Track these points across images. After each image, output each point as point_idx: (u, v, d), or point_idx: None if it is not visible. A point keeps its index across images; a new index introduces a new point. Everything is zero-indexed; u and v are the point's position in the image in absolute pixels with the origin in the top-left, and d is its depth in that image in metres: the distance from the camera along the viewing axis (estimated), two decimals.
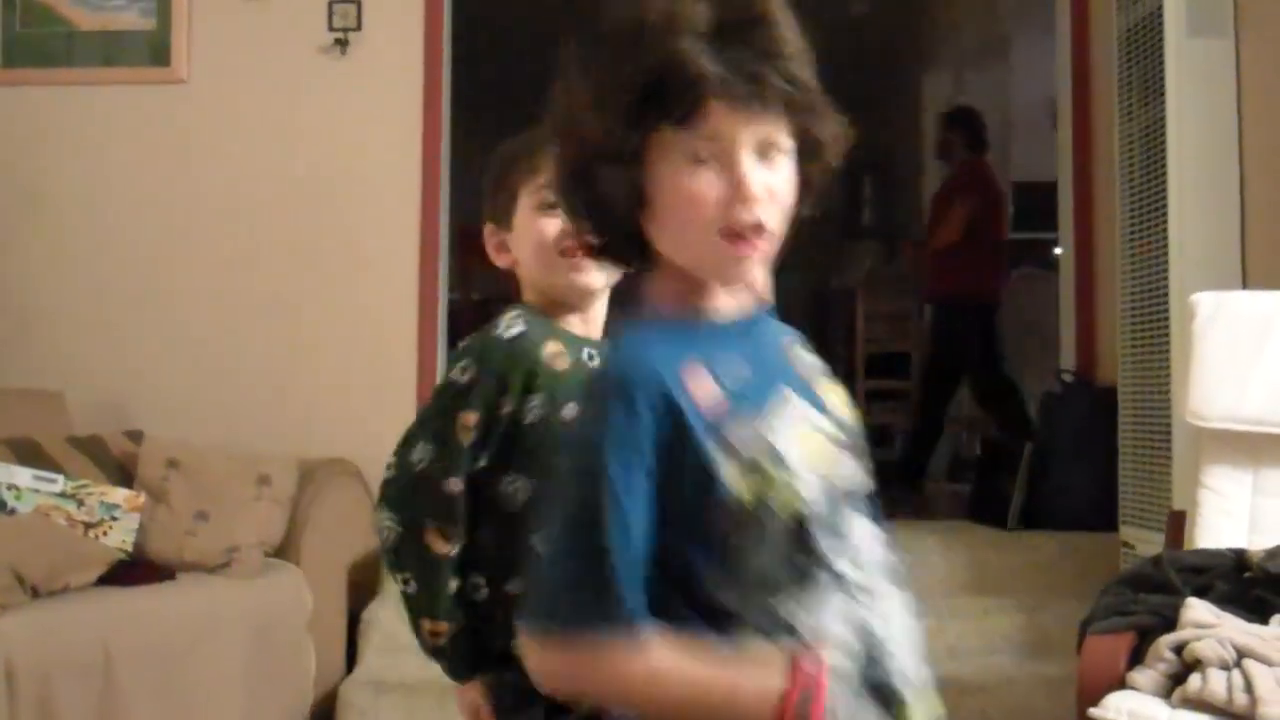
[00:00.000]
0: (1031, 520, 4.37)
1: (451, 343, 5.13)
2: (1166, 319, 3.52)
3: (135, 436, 3.89)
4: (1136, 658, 2.33)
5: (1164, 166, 3.53)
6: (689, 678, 1.10)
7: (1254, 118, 3.48)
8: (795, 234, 1.23)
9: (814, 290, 8.18)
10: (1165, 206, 3.53)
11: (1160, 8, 3.54)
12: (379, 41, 4.46)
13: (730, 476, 1.12)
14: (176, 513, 3.61)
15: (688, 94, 1.14)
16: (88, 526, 3.48)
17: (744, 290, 1.23)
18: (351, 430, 4.31)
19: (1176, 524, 2.96)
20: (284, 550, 3.70)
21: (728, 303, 1.23)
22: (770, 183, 1.18)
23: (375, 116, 4.47)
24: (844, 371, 7.39)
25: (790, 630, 1.13)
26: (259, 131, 4.47)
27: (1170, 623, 2.35)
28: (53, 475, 3.52)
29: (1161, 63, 3.54)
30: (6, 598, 2.89)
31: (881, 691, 1.18)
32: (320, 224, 4.45)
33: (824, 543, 1.16)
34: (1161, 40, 3.53)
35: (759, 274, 1.22)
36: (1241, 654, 2.19)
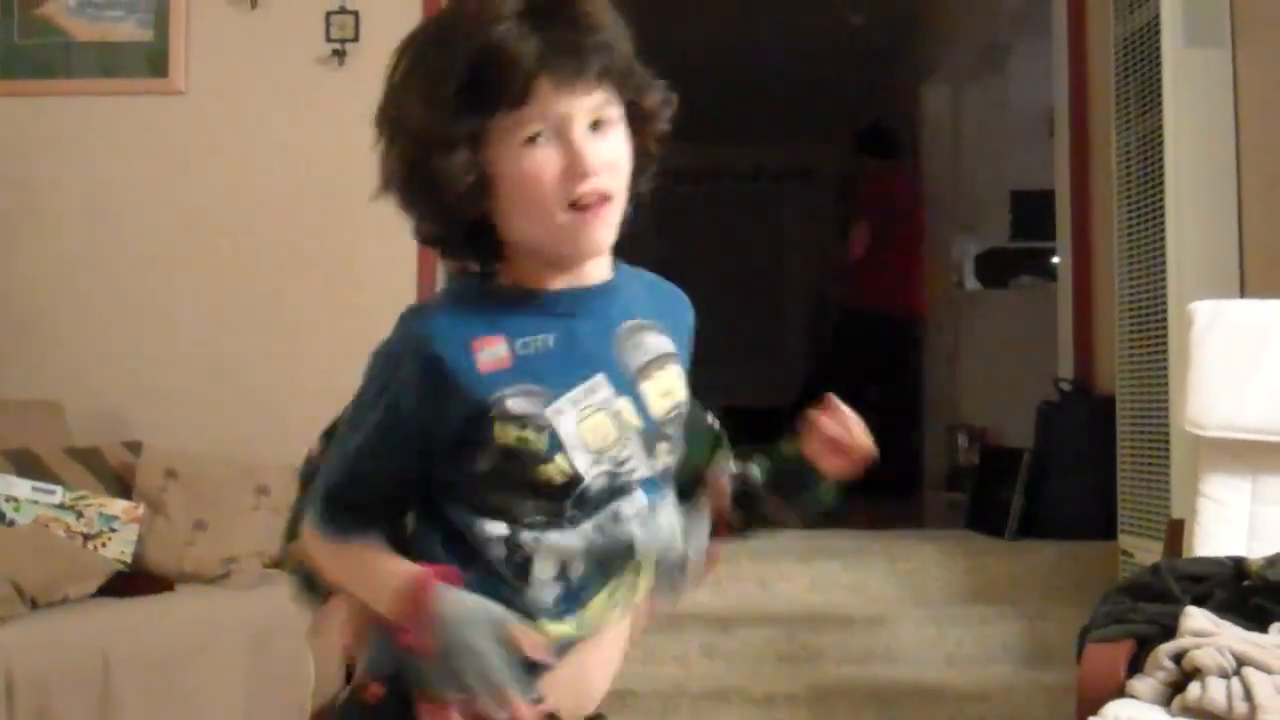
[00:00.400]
0: (1030, 529, 4.37)
1: None
2: (1164, 327, 3.52)
3: (134, 447, 3.88)
4: (1136, 666, 2.33)
5: (1161, 175, 3.54)
6: (361, 563, 1.30)
7: (1251, 127, 3.48)
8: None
9: (813, 304, 8.20)
10: (1163, 215, 3.53)
11: (1158, 17, 3.55)
12: (377, 52, 4.42)
13: (500, 424, 1.25)
14: (175, 523, 3.61)
15: (514, 76, 1.20)
16: (86, 538, 3.47)
17: (591, 260, 1.30)
18: None
19: (1175, 532, 2.96)
20: (282, 561, 3.70)
21: (539, 278, 1.31)
22: (605, 153, 1.24)
23: (373, 126, 4.47)
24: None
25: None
26: (257, 142, 4.48)
27: (1169, 631, 2.34)
28: (51, 486, 3.51)
29: (1159, 72, 3.54)
30: (6, 609, 2.89)
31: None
32: (318, 234, 4.46)
33: (578, 509, 1.27)
34: (1159, 50, 3.54)
35: (606, 240, 1.28)
36: (1241, 662, 2.18)
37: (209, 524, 3.61)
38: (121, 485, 3.72)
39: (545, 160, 1.23)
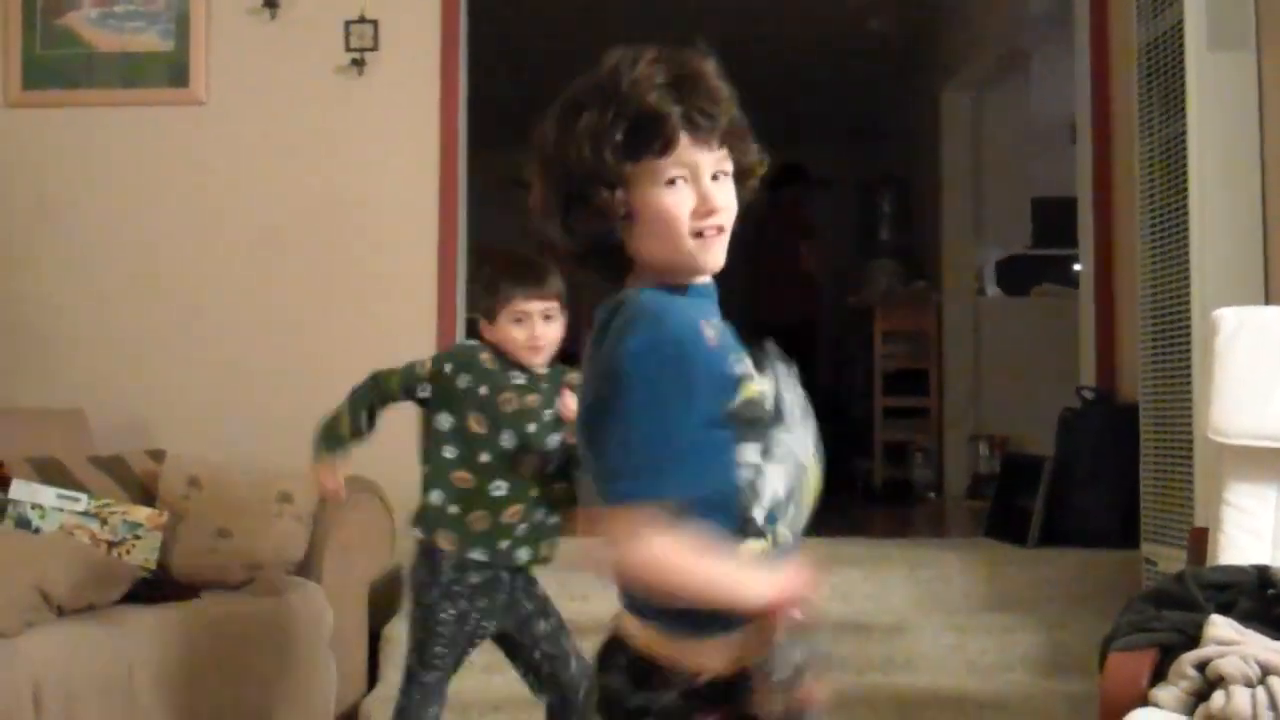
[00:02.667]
0: (1052, 537, 4.35)
1: None
2: (1188, 335, 3.51)
3: (157, 455, 3.91)
4: (1159, 675, 2.32)
5: (1185, 181, 3.52)
6: (709, 562, 1.49)
7: (1276, 131, 3.46)
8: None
9: (831, 306, 8.19)
10: (1186, 222, 3.52)
11: (1181, 21, 3.53)
12: (396, 61, 4.48)
13: (743, 382, 1.55)
14: (198, 530, 3.62)
15: (664, 133, 1.55)
16: (111, 545, 3.49)
17: (707, 274, 1.63)
18: (371, 448, 4.31)
19: (1198, 541, 2.95)
20: (305, 568, 3.71)
21: (696, 281, 1.64)
22: (723, 197, 1.59)
23: (393, 136, 4.50)
24: (862, 388, 7.40)
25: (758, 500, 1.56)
26: (278, 152, 4.50)
27: (1193, 640, 2.33)
28: (76, 494, 3.54)
29: (1182, 77, 3.53)
30: (32, 616, 2.91)
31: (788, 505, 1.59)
32: (339, 243, 4.48)
33: (772, 430, 1.58)
34: (1182, 54, 3.53)
35: (719, 262, 1.61)
36: (1265, 671, 2.17)
37: (232, 531, 3.62)
38: (145, 493, 3.75)
39: (682, 199, 1.56)
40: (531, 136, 1.61)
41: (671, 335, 1.52)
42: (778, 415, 1.59)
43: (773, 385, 1.61)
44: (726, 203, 1.60)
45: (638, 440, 1.49)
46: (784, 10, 7.02)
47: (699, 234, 1.57)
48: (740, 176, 1.64)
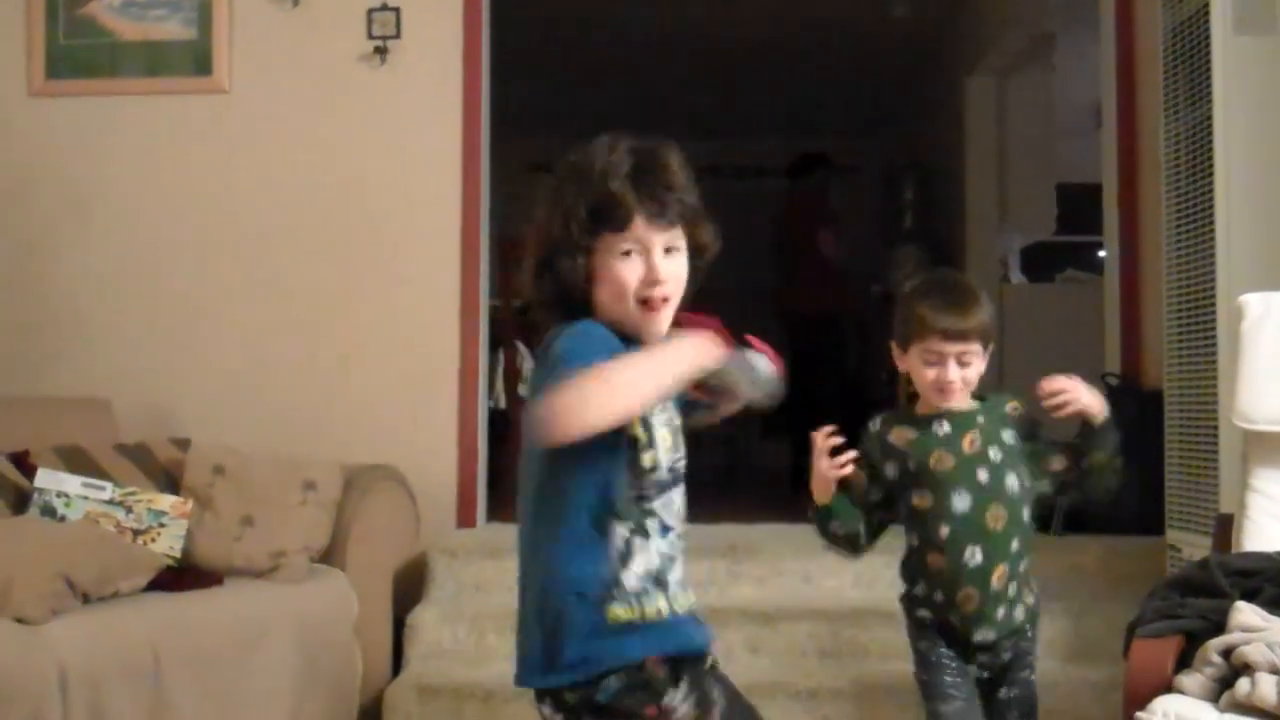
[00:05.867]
0: (1076, 524, 4.33)
1: (493, 349, 5.16)
2: (1213, 321, 3.49)
3: (182, 444, 3.92)
4: (1184, 661, 2.31)
5: (1210, 166, 3.50)
6: (642, 358, 1.82)
7: None
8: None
9: (855, 293, 8.17)
10: (1212, 207, 3.50)
11: (1206, 5, 3.50)
12: (419, 49, 4.48)
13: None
14: (223, 518, 3.64)
15: (621, 214, 1.84)
16: (136, 533, 3.51)
17: (652, 337, 1.89)
18: (394, 436, 4.34)
19: (1224, 527, 2.94)
20: (329, 555, 3.73)
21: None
22: (671, 270, 1.88)
23: (415, 123, 4.50)
24: (885, 375, 7.37)
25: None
26: (301, 140, 4.51)
27: (1218, 626, 2.32)
28: (101, 483, 3.55)
29: (1208, 61, 3.50)
30: (58, 603, 2.93)
31: (663, 580, 1.88)
32: (363, 231, 4.49)
33: (657, 490, 1.89)
34: (1208, 38, 3.50)
35: (662, 329, 1.88)
36: None
37: (256, 519, 3.64)
38: (170, 481, 3.76)
39: (632, 269, 1.86)
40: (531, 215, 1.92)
41: (591, 328, 1.84)
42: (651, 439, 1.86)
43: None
44: (672, 274, 1.88)
45: (570, 360, 1.76)
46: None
47: (645, 301, 1.85)
48: (694, 251, 1.92)
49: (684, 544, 1.92)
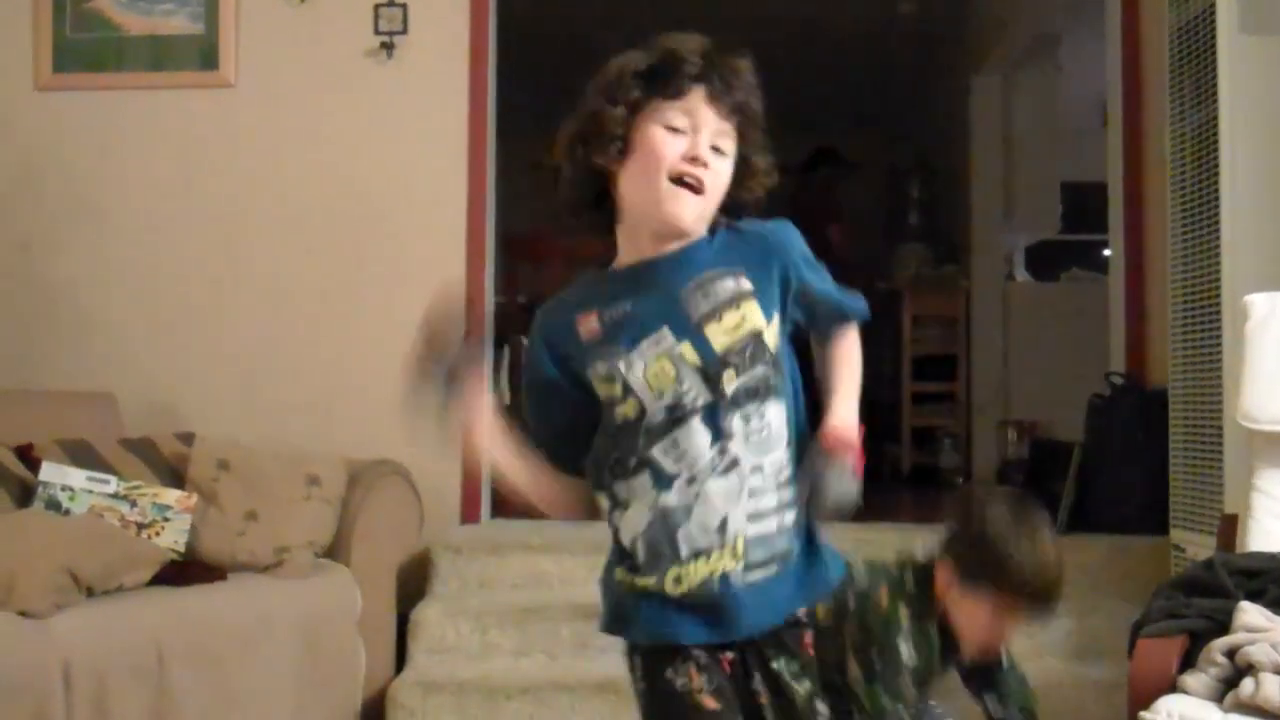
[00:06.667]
0: (1081, 523, 4.33)
1: (498, 345, 5.15)
2: (1218, 321, 3.48)
3: (186, 438, 3.92)
4: (1188, 661, 2.31)
5: (1216, 166, 3.50)
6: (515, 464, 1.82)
7: None
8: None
9: (861, 290, 8.16)
10: (1217, 207, 3.49)
11: (1213, 4, 3.50)
12: (425, 45, 4.48)
13: (595, 380, 1.74)
14: (227, 513, 3.64)
15: (680, 77, 1.66)
16: (140, 527, 3.51)
17: (672, 232, 1.71)
18: (399, 432, 4.32)
19: (1228, 527, 2.93)
20: (333, 551, 3.73)
21: (634, 255, 1.76)
22: (714, 163, 1.69)
23: (422, 119, 4.50)
24: (890, 374, 7.37)
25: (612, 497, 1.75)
26: (306, 135, 4.51)
27: (1223, 626, 2.32)
28: (106, 476, 3.56)
29: (1214, 60, 3.50)
30: (62, 597, 2.93)
31: (657, 550, 1.71)
32: (368, 226, 4.48)
33: (645, 439, 1.71)
34: (1214, 37, 3.49)
35: (687, 218, 1.70)
36: None
37: (260, 514, 3.64)
38: (174, 475, 3.76)
39: (675, 144, 1.67)
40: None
41: (532, 326, 1.80)
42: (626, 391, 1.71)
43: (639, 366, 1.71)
44: (716, 167, 1.69)
45: None
46: None
47: (679, 179, 1.67)
48: (743, 172, 1.74)
49: (724, 483, 1.69)
